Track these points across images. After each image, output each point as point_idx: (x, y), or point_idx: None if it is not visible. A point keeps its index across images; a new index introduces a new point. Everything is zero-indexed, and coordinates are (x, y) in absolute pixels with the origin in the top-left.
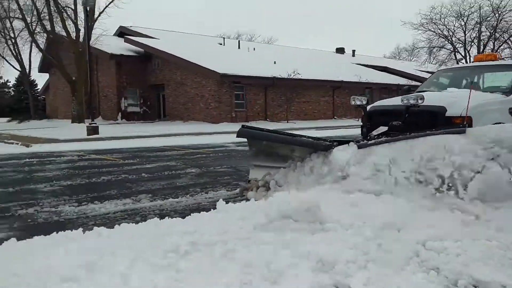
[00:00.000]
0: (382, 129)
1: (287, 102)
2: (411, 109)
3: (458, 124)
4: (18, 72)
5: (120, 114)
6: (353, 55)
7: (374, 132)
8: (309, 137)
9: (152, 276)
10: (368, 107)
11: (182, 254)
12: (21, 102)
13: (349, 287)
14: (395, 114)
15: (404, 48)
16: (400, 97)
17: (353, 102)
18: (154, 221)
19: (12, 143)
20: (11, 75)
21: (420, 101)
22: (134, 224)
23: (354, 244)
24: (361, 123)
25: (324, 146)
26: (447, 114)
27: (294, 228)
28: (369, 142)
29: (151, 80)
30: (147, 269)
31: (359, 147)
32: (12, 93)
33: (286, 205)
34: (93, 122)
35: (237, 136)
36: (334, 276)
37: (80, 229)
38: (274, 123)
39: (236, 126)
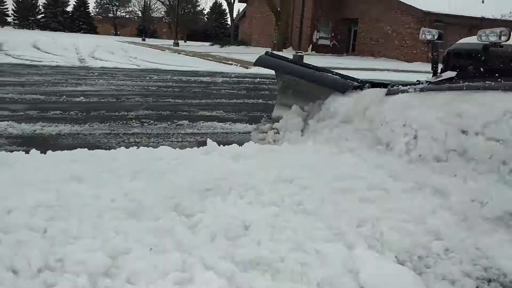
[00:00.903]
0: (448, 74)
1: None
2: (491, 49)
3: None
4: (212, 2)
5: (310, 46)
6: None
7: (440, 78)
8: (337, 73)
9: None
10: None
11: None
12: (213, 29)
13: None
14: (470, 56)
15: None
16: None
17: (422, 36)
18: None
19: (231, 64)
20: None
21: (503, 38)
22: None
23: None
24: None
25: (342, 87)
26: None
27: None
28: (401, 88)
29: (345, 14)
30: None
31: (388, 93)
32: (206, 20)
33: None
34: (299, 51)
35: (255, 65)
36: None
37: None
38: None
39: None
